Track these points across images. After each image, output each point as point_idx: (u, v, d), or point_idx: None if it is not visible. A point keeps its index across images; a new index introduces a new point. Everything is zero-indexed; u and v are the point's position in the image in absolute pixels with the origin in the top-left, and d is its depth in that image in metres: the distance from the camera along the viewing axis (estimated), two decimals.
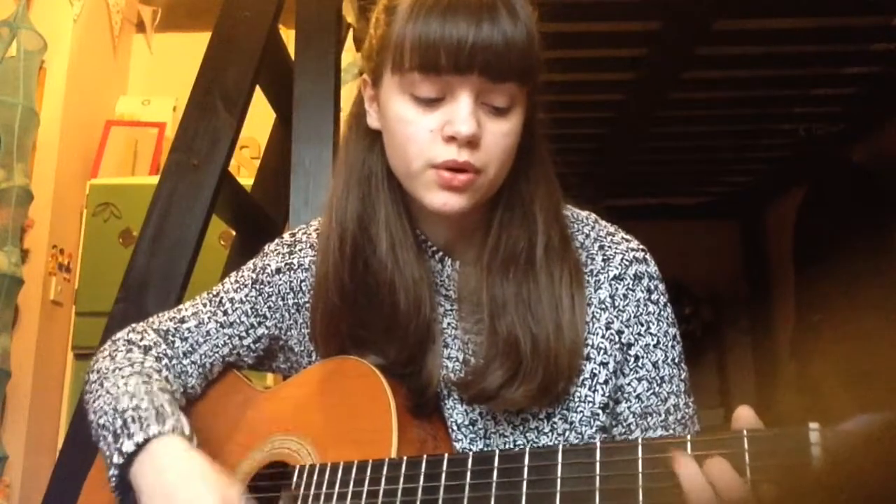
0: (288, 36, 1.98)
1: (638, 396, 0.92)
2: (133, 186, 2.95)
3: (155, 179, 1.74)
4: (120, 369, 0.98)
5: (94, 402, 0.97)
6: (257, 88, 1.85)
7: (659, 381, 0.92)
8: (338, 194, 0.95)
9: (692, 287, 4.41)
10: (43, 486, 1.53)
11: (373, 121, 0.93)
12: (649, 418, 0.92)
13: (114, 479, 0.90)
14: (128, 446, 0.89)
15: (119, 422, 0.91)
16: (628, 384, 0.92)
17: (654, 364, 0.93)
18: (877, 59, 2.91)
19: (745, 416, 0.71)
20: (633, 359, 0.92)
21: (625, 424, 0.92)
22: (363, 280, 0.92)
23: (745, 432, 0.68)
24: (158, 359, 1.01)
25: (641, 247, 0.98)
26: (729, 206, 4.62)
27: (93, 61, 3.20)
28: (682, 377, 0.95)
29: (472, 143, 0.84)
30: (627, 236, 0.99)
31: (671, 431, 0.92)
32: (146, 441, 0.89)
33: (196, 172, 1.68)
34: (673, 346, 0.94)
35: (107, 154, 3.17)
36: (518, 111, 0.87)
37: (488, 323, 0.90)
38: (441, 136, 0.84)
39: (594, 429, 0.90)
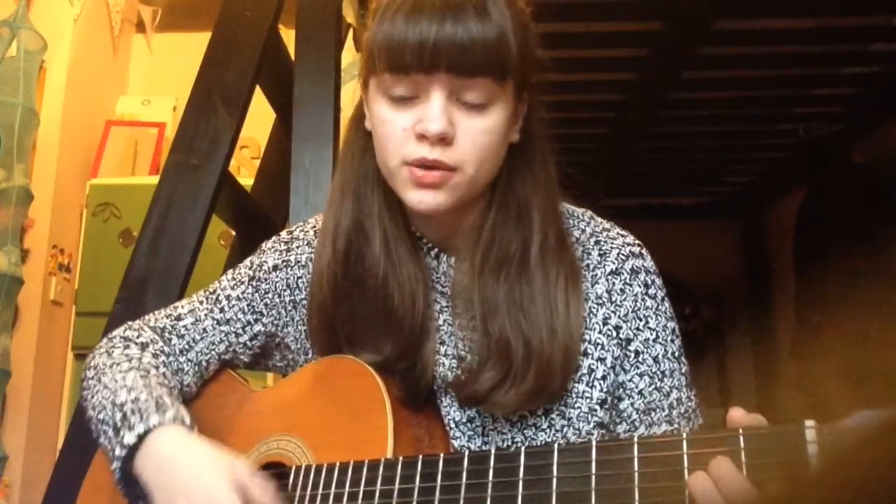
0: (288, 36, 1.98)
1: (640, 392, 0.92)
2: (133, 186, 2.95)
3: (155, 179, 1.74)
4: (117, 364, 0.98)
5: (92, 397, 0.97)
6: (257, 88, 1.85)
7: (660, 376, 0.92)
8: (335, 192, 0.96)
9: (692, 287, 4.40)
10: (43, 486, 1.53)
11: (367, 122, 0.94)
12: (653, 414, 0.92)
13: (117, 472, 0.90)
14: (129, 438, 0.89)
15: (119, 415, 0.91)
16: (630, 380, 0.92)
17: (655, 359, 0.93)
18: (877, 59, 2.91)
19: (738, 416, 0.71)
20: (633, 354, 0.92)
21: (629, 421, 0.92)
22: (357, 275, 0.93)
23: (741, 431, 0.68)
24: (156, 355, 1.01)
25: (637, 242, 0.98)
26: (729, 206, 4.61)
27: (93, 61, 3.20)
28: (683, 371, 0.95)
29: (443, 140, 0.85)
30: (623, 232, 0.99)
31: (675, 426, 0.92)
32: (147, 432, 0.89)
33: (196, 172, 1.68)
34: (672, 340, 0.94)
35: (107, 154, 3.17)
36: (498, 108, 0.87)
37: (480, 324, 0.90)
38: (414, 134, 0.86)
39: (592, 425, 0.90)
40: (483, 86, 0.85)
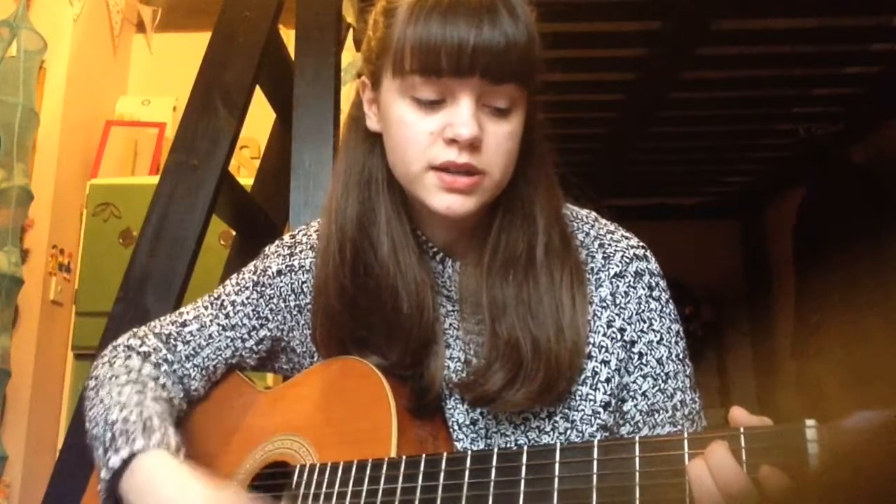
0: (288, 36, 1.98)
1: (644, 394, 0.92)
2: (133, 186, 2.95)
3: (155, 179, 1.74)
4: (116, 377, 0.98)
5: (90, 409, 0.97)
6: (257, 88, 1.85)
7: (664, 378, 0.92)
8: (337, 197, 0.95)
9: (692, 287, 4.41)
10: (43, 486, 1.53)
11: (372, 123, 0.93)
12: (656, 415, 0.92)
13: (103, 493, 0.90)
14: (114, 461, 0.89)
15: (108, 434, 0.91)
16: (633, 382, 0.92)
17: (659, 360, 0.92)
18: (877, 59, 2.91)
19: (740, 415, 0.71)
20: (636, 356, 0.92)
21: (632, 423, 0.92)
22: (364, 284, 0.92)
23: (741, 429, 0.68)
24: (157, 365, 1.01)
25: (641, 244, 0.97)
26: (729, 206, 4.62)
27: (93, 61, 3.20)
28: (688, 373, 0.94)
29: (473, 145, 0.84)
30: (627, 234, 0.99)
31: (679, 427, 0.92)
32: (132, 456, 0.89)
33: (196, 172, 1.68)
34: (676, 342, 0.94)
35: (107, 154, 3.17)
36: (519, 112, 0.87)
37: (489, 325, 0.89)
38: (441, 139, 0.84)
39: (595, 427, 0.90)
40: (510, 91, 0.85)
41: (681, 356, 0.94)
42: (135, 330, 1.06)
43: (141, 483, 0.88)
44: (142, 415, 0.92)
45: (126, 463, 0.89)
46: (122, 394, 0.95)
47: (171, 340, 1.04)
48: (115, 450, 0.89)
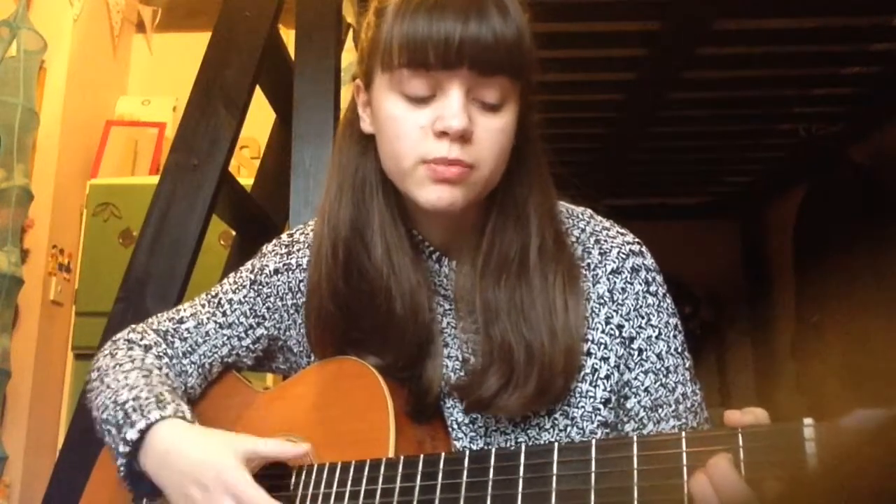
0: (288, 36, 1.98)
1: (646, 390, 0.92)
2: (133, 186, 2.95)
3: (155, 179, 1.74)
4: (120, 365, 0.99)
5: (96, 398, 0.98)
6: (257, 88, 1.85)
7: (665, 372, 0.92)
8: (330, 200, 0.95)
9: (692, 287, 4.41)
10: (43, 486, 1.53)
11: (366, 126, 0.93)
12: (660, 410, 0.92)
13: (122, 468, 0.91)
14: (131, 434, 0.89)
15: (121, 413, 0.92)
16: (635, 378, 0.92)
17: (659, 355, 0.93)
18: (877, 59, 2.91)
19: (735, 418, 0.71)
20: (636, 352, 0.92)
21: (637, 419, 0.92)
22: (358, 286, 0.92)
23: (739, 429, 0.68)
24: (159, 357, 1.02)
25: (637, 240, 0.98)
26: (729, 206, 4.62)
27: (93, 61, 3.20)
28: (687, 366, 0.95)
29: (463, 137, 0.84)
30: (623, 230, 0.99)
31: (683, 420, 0.92)
32: (149, 426, 0.89)
33: (196, 172, 1.68)
34: (675, 336, 0.95)
35: (107, 154, 3.18)
36: (511, 108, 0.87)
37: (482, 329, 0.90)
38: (432, 132, 0.84)
39: (596, 424, 0.90)
40: (500, 85, 0.85)
41: (680, 349, 0.95)
42: (133, 326, 1.07)
43: (159, 450, 0.89)
44: (152, 391, 0.93)
45: (143, 435, 0.89)
46: (128, 378, 0.96)
47: (169, 337, 1.04)
48: (130, 424, 0.90)
